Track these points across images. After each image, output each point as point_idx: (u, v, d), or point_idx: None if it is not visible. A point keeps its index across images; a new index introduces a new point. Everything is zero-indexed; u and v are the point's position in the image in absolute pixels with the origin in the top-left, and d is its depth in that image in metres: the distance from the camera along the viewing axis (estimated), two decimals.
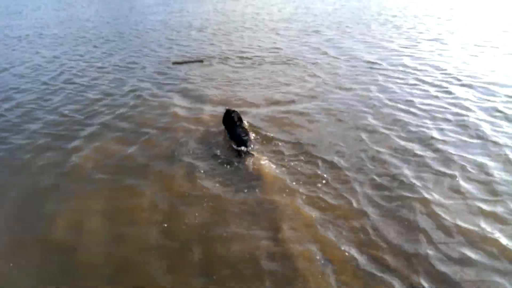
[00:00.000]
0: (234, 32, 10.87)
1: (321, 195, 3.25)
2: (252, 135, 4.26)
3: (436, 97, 5.36)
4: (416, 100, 5.25)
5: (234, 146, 4.02)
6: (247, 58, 7.96)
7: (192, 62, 7.76)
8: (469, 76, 6.14)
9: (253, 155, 3.83)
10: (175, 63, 7.71)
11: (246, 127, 4.48)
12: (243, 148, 3.92)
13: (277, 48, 8.72)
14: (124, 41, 10.34)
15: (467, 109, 4.88)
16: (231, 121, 4.38)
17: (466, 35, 9.14)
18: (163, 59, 8.12)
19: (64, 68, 7.75)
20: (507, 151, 3.81)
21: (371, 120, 4.66)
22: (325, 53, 8.06)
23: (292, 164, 3.71)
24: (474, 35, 9.17)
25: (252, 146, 3.98)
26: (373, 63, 7.15)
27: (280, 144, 4.10)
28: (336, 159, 3.75)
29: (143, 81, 6.69)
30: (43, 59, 8.61)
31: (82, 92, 6.24)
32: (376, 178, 3.47)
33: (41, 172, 3.88)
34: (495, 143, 3.98)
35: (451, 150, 3.87)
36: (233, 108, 4.61)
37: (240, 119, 4.49)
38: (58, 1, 23.29)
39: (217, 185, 3.42)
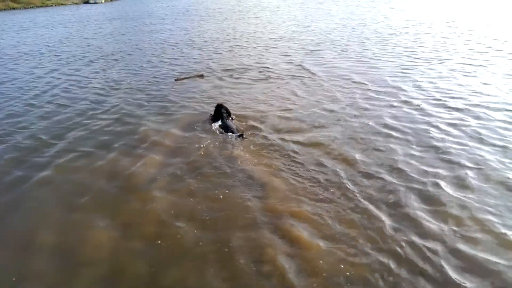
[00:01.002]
0: (233, 50, 11.42)
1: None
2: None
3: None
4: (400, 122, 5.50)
5: (223, 132, 5.15)
6: (236, 72, 8.59)
7: (193, 77, 8.29)
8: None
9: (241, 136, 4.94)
10: (177, 79, 8.17)
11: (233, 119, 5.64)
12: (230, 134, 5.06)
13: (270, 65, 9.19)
14: (130, 57, 11.09)
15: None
16: (221, 114, 5.46)
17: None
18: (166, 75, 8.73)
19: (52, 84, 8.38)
20: None
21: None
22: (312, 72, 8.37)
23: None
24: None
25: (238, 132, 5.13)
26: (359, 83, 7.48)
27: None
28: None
29: (150, 94, 7.31)
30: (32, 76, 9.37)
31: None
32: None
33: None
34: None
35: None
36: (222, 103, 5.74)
37: (229, 113, 5.59)
38: (68, 20, 24.29)
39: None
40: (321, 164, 4.29)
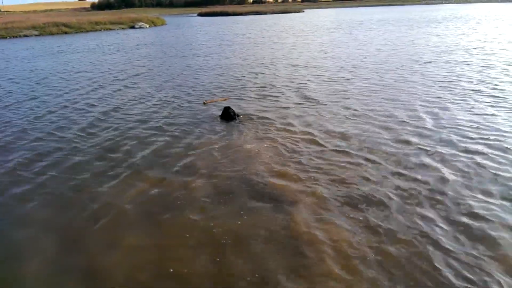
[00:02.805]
0: (261, 74, 12.54)
1: None
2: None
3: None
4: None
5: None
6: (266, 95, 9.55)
7: (220, 101, 9.35)
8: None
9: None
10: (205, 102, 9.19)
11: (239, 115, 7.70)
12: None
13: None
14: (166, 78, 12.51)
15: None
16: (229, 114, 7.57)
17: None
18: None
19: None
20: None
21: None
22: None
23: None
24: None
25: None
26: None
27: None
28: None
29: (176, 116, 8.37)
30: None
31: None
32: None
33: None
34: None
35: None
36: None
37: (235, 113, 7.64)
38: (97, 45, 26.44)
39: None
40: None
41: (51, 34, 35.35)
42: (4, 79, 13.45)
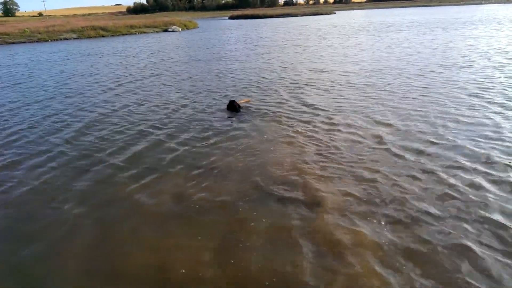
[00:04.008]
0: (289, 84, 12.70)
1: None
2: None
3: None
4: None
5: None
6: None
7: (244, 102, 9.31)
8: None
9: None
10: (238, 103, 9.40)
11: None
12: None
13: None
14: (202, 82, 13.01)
15: None
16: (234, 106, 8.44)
17: None
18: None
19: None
20: None
21: None
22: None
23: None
24: None
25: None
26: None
27: None
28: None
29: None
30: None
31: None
32: None
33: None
34: None
35: None
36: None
37: (239, 106, 8.51)
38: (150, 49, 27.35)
39: None
40: None
41: (89, 37, 37.19)
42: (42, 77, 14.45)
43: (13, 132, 7.85)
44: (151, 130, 7.60)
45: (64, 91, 12.00)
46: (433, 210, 4.20)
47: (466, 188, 4.63)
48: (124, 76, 14.44)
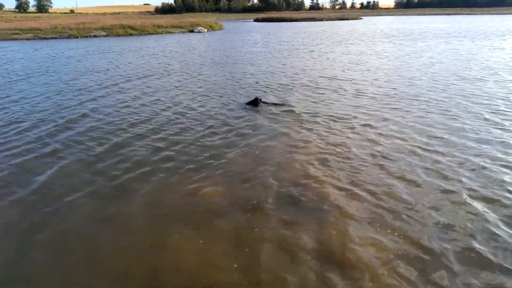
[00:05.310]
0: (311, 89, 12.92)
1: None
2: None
3: None
4: None
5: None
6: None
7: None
8: None
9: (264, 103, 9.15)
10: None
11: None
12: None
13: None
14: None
15: None
16: (256, 101, 9.15)
17: None
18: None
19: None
20: None
21: None
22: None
23: None
24: None
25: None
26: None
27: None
28: None
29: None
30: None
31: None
32: None
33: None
34: None
35: None
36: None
37: (261, 101, 9.24)
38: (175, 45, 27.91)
39: None
40: None
41: (118, 35, 38.36)
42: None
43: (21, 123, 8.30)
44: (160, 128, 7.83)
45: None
46: (447, 221, 4.21)
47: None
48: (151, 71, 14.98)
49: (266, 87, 11.90)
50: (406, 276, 3.36)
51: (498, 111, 8.38)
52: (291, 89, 11.47)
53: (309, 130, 7.44)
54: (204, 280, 3.39)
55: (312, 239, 3.93)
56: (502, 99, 9.44)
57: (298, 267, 3.52)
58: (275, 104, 9.26)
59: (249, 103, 9.40)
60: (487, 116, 8.01)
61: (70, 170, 5.81)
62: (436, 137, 6.86)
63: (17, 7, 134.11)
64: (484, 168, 5.53)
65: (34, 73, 15.23)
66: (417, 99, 9.74)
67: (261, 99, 9.34)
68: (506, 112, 8.29)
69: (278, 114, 8.59)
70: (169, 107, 9.60)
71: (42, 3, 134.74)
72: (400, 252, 3.68)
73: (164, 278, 3.44)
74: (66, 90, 11.89)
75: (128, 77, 14.18)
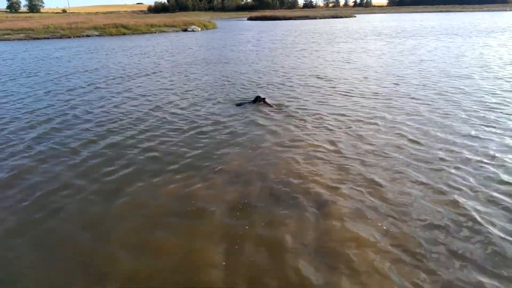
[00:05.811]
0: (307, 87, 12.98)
1: None
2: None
3: None
4: None
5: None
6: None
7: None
8: None
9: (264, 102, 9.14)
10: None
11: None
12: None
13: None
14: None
15: None
16: (258, 99, 9.25)
17: None
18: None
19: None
20: None
21: None
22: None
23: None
24: None
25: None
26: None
27: None
28: None
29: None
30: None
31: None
32: None
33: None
34: None
35: None
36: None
37: (262, 98, 9.29)
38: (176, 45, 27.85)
39: None
40: None
41: (111, 34, 38.15)
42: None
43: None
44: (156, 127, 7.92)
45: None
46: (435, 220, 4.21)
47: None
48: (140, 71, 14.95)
49: (257, 86, 11.97)
50: (388, 275, 3.39)
51: (490, 108, 8.54)
52: (282, 87, 11.55)
53: (300, 128, 7.53)
54: (191, 278, 3.41)
55: (301, 237, 3.96)
56: (491, 95, 9.67)
57: (286, 265, 3.55)
58: (266, 103, 9.29)
59: (242, 103, 9.43)
60: (479, 113, 8.11)
61: (54, 171, 5.78)
62: (426, 135, 6.92)
63: (8, 7, 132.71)
64: (474, 164, 5.59)
65: (22, 74, 15.23)
66: (407, 97, 9.87)
67: (264, 98, 9.37)
68: (497, 108, 8.44)
69: (269, 113, 8.65)
70: (158, 106, 9.62)
71: (33, 3, 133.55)
72: (385, 250, 3.71)
73: (148, 278, 3.45)
74: (55, 90, 11.87)
75: (120, 77, 14.22)
